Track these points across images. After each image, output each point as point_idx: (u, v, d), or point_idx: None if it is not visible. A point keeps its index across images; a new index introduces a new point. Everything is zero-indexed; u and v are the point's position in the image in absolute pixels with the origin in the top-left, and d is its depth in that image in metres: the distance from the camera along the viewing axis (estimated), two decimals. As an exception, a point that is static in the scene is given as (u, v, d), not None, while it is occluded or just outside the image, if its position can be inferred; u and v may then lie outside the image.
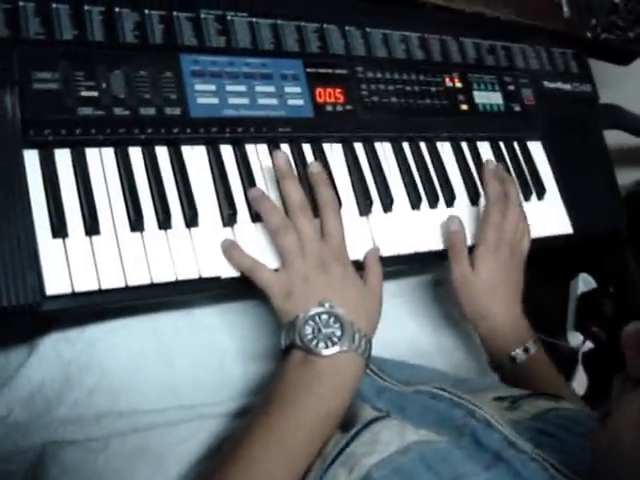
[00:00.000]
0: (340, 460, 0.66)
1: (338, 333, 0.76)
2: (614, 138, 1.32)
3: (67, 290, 0.73)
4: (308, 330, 0.76)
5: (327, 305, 0.77)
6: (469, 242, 0.97)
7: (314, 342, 0.75)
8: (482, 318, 0.96)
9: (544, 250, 1.04)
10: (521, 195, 1.07)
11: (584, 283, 1.62)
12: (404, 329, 1.04)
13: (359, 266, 0.88)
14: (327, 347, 0.75)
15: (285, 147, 0.91)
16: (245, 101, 0.88)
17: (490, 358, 1.00)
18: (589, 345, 1.57)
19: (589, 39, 1.24)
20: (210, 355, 0.89)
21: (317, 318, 0.76)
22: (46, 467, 0.84)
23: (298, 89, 0.92)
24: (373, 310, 0.84)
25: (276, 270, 0.82)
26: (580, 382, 1.52)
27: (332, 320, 0.76)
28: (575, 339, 1.58)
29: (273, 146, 0.90)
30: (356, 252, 0.89)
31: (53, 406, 0.84)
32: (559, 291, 1.65)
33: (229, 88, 0.88)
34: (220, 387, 0.88)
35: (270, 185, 0.88)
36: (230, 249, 0.82)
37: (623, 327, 0.54)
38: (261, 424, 0.72)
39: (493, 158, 1.09)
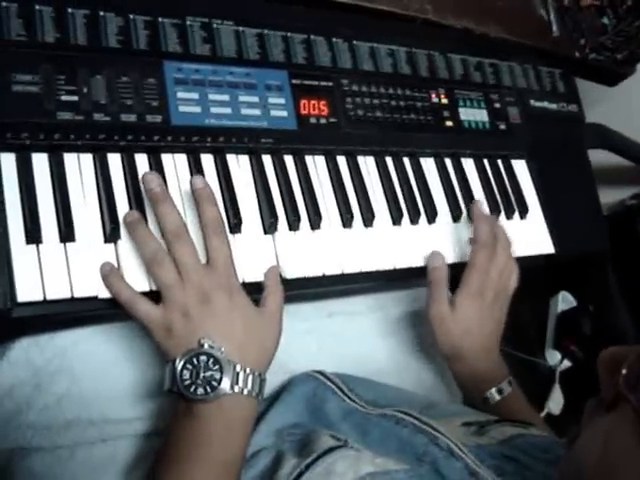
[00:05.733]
0: None
1: (217, 376, 0.71)
2: (598, 157, 1.32)
3: (39, 297, 0.72)
4: (186, 375, 0.71)
5: (206, 345, 0.72)
6: (449, 260, 0.96)
7: (192, 388, 0.70)
8: (456, 358, 0.96)
9: (525, 269, 1.04)
10: (503, 214, 1.08)
11: (564, 301, 1.62)
12: (380, 345, 1.03)
13: (342, 279, 0.88)
14: (207, 393, 0.70)
15: (267, 158, 0.91)
16: (228, 111, 0.88)
17: (464, 396, 0.99)
18: (567, 364, 1.56)
19: (577, 59, 1.24)
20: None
21: (195, 360, 0.71)
22: (12, 473, 0.83)
23: (282, 100, 0.92)
24: (268, 339, 0.78)
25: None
26: (556, 401, 1.52)
27: (211, 362, 0.71)
28: (553, 357, 1.58)
29: (255, 157, 0.90)
30: (336, 265, 0.90)
31: (22, 411, 0.83)
32: (539, 308, 1.65)
33: (212, 97, 0.87)
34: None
35: (250, 195, 0.88)
36: (109, 277, 0.75)
37: (601, 347, 0.54)
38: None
39: (477, 175, 1.09)
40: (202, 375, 0.70)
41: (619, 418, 0.49)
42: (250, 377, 0.73)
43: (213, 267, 0.76)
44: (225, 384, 0.71)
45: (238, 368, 0.72)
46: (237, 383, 0.72)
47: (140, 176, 0.81)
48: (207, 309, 0.74)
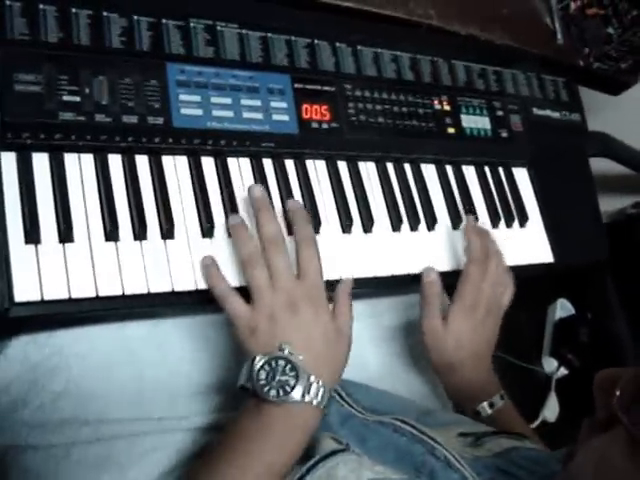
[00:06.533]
0: None
1: (292, 382, 0.72)
2: (599, 165, 1.33)
3: (36, 297, 0.72)
4: (262, 375, 0.73)
5: (287, 351, 0.74)
6: (446, 268, 0.96)
7: (266, 389, 0.72)
8: (448, 371, 0.96)
9: (523, 277, 1.04)
10: (503, 222, 1.07)
11: (562, 308, 1.62)
12: (376, 351, 1.03)
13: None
14: (279, 396, 0.72)
15: (268, 162, 0.91)
16: (230, 114, 0.87)
17: (455, 408, 0.99)
18: (563, 372, 1.56)
19: (581, 67, 1.24)
20: (179, 367, 0.88)
21: (274, 363, 0.73)
22: (7, 471, 0.83)
23: (284, 104, 0.92)
24: (340, 356, 0.80)
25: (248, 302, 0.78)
26: (552, 409, 1.52)
27: (288, 368, 0.73)
28: (550, 365, 1.57)
29: (256, 160, 0.90)
30: (334, 271, 0.89)
31: (18, 408, 0.83)
32: (537, 315, 1.65)
33: (214, 100, 0.87)
34: (188, 401, 0.87)
35: (248, 201, 0.87)
36: (209, 268, 0.80)
37: (598, 355, 0.55)
38: (213, 468, 0.72)
39: (478, 182, 1.09)
40: (277, 378, 0.72)
41: (612, 438, 0.49)
42: (321, 389, 0.74)
43: (304, 278, 0.79)
44: (297, 391, 0.72)
45: (312, 379, 0.73)
46: (308, 393, 0.73)
47: (141, 178, 0.81)
48: (293, 317, 0.76)
